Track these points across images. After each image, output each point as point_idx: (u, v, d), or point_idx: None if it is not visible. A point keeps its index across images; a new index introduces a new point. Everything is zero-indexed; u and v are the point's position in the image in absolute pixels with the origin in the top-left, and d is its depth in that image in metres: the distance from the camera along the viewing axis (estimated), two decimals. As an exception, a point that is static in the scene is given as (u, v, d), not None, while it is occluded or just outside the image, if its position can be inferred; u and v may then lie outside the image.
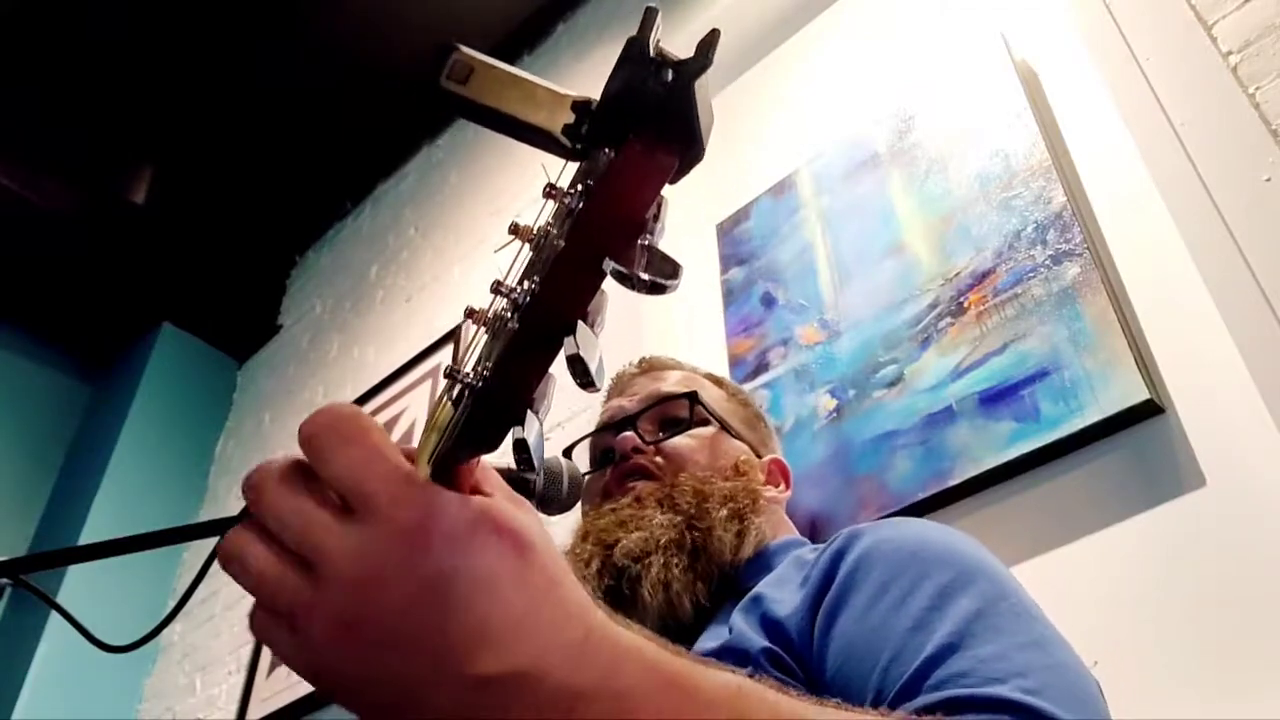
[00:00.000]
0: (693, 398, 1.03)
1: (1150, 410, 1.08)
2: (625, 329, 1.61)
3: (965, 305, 1.29)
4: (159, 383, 3.04)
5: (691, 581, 0.86)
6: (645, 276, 0.32)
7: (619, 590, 0.87)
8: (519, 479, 0.83)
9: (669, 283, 0.32)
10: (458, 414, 0.37)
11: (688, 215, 1.80)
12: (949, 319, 1.30)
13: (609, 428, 1.05)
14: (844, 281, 1.47)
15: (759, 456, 1.07)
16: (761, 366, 1.50)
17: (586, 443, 1.09)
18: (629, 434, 1.00)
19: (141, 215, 2.97)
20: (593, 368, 0.33)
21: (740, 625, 0.77)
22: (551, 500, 0.85)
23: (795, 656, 0.71)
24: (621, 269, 0.32)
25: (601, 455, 1.05)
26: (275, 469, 0.39)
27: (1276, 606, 0.92)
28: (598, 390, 0.34)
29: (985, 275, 1.29)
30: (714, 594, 0.87)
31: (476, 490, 0.40)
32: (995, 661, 0.57)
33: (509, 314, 0.34)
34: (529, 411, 0.35)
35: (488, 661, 0.36)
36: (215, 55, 2.80)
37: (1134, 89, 1.24)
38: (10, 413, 3.01)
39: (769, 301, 1.57)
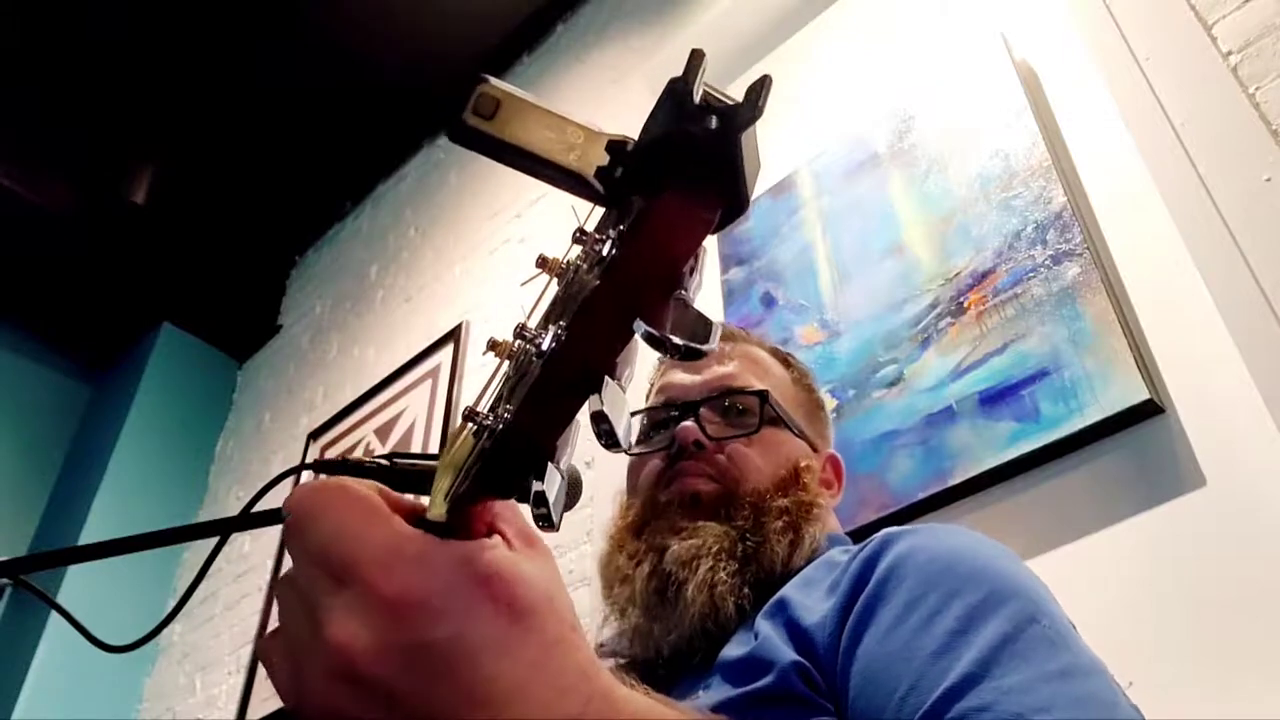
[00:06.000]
0: (764, 396, 0.97)
1: (1150, 410, 1.08)
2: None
3: (965, 305, 1.29)
4: (159, 383, 3.04)
5: (738, 585, 0.83)
6: (678, 341, 0.30)
7: (664, 593, 0.85)
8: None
9: (703, 347, 0.30)
10: (474, 456, 0.35)
11: (688, 215, 1.79)
12: (949, 319, 1.30)
13: (668, 406, 0.98)
14: (844, 281, 1.47)
15: (816, 451, 1.02)
16: (761, 366, 1.50)
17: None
18: (690, 425, 0.93)
19: (141, 215, 2.97)
20: (619, 428, 0.31)
21: (767, 632, 0.75)
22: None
23: (821, 669, 0.69)
24: (653, 332, 0.30)
25: (654, 431, 0.98)
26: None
27: (1276, 606, 0.93)
28: (622, 450, 0.33)
29: (985, 275, 1.29)
30: (759, 597, 0.85)
31: (492, 528, 0.39)
32: (1019, 694, 0.56)
33: (533, 357, 0.33)
34: (550, 463, 0.34)
35: None
36: (215, 55, 2.80)
37: (1134, 89, 1.24)
38: (10, 413, 3.01)
39: (769, 301, 1.57)
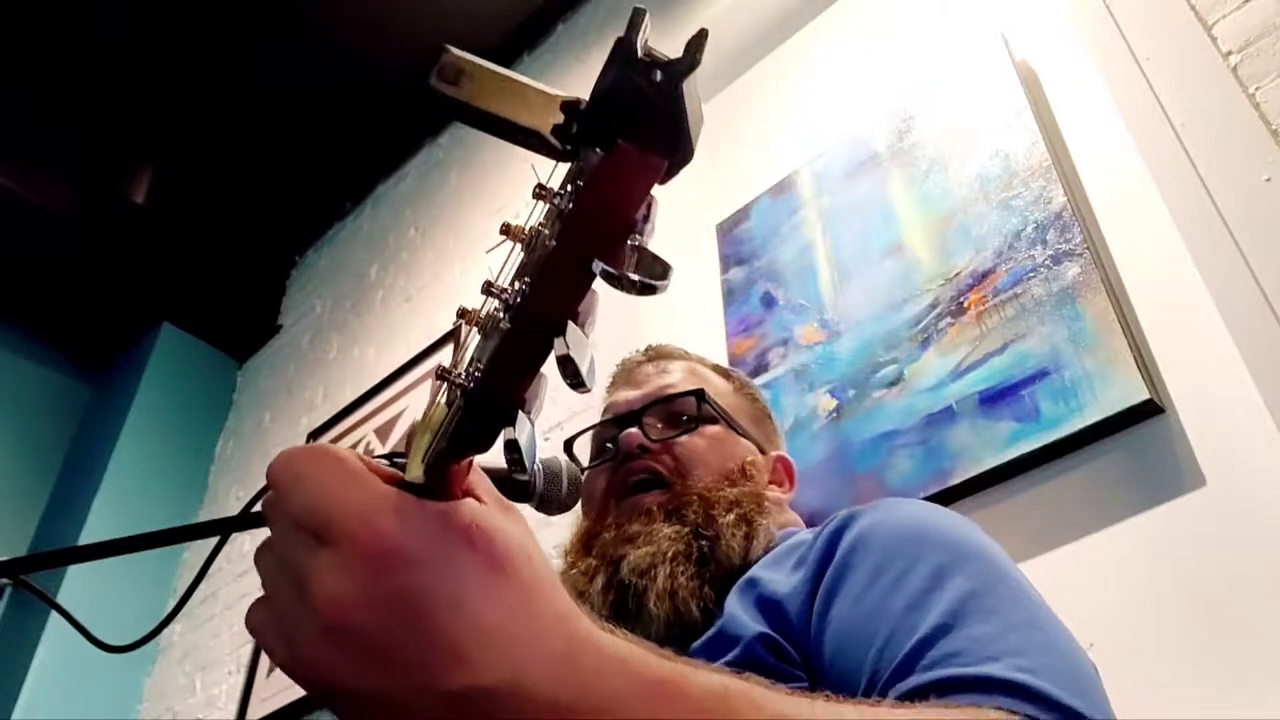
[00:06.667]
0: (699, 395, 1.01)
1: (1150, 410, 1.08)
2: (624, 329, 1.61)
3: (965, 305, 1.29)
4: (159, 383, 3.04)
5: (699, 587, 0.85)
6: (635, 277, 0.32)
7: (624, 604, 0.85)
8: (521, 481, 0.83)
9: (659, 284, 0.32)
10: (450, 415, 0.37)
11: (688, 215, 1.80)
12: (949, 319, 1.30)
13: (613, 421, 1.03)
14: (844, 281, 1.47)
15: (764, 453, 1.05)
16: (761, 366, 1.50)
17: (588, 435, 1.07)
18: (634, 430, 0.98)
19: (141, 215, 2.97)
20: (583, 369, 0.33)
21: (734, 609, 0.77)
22: (551, 500, 0.85)
23: (792, 639, 0.71)
24: (611, 270, 0.32)
25: (603, 449, 1.02)
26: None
27: (1276, 605, 0.93)
28: (589, 391, 0.34)
29: (985, 275, 1.29)
30: (721, 594, 0.86)
31: (469, 492, 0.40)
32: (990, 641, 0.57)
33: (500, 314, 0.35)
34: (520, 412, 0.35)
35: (461, 676, 0.36)
36: (215, 55, 2.80)
37: (1134, 89, 1.24)
38: (10, 413, 3.01)
39: (769, 301, 1.57)
